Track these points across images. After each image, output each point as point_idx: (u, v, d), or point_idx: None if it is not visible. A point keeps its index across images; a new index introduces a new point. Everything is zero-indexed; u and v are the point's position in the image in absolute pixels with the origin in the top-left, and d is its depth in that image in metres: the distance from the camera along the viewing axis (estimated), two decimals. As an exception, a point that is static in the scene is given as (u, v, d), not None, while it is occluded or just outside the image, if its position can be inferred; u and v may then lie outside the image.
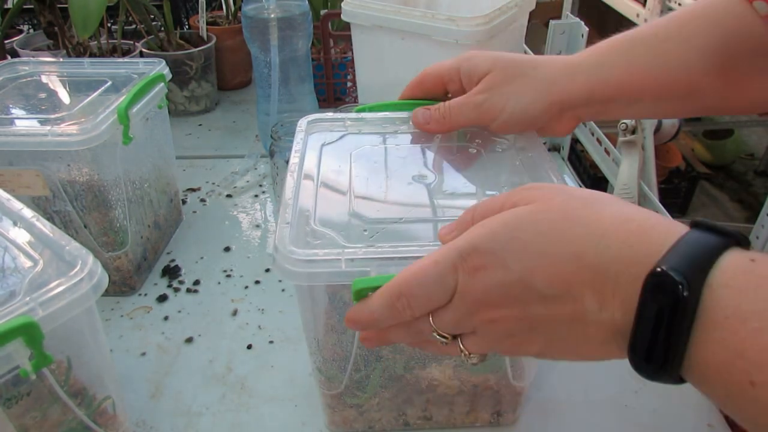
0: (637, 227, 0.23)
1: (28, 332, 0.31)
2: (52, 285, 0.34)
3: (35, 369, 0.33)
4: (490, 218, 0.27)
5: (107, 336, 0.58)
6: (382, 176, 0.45)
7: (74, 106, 0.58)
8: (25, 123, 0.56)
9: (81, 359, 0.39)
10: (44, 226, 0.39)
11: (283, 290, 0.63)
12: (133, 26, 1.14)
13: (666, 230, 0.23)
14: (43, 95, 0.62)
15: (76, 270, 0.35)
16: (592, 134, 0.82)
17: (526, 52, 1.02)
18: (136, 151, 0.61)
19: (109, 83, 0.63)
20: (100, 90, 0.62)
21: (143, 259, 0.65)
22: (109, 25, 1.16)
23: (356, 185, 0.43)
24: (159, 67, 0.66)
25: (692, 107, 0.41)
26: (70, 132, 0.52)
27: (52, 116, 0.56)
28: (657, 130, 0.71)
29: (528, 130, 0.44)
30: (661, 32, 0.39)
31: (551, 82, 0.41)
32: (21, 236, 0.39)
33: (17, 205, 0.41)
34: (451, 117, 0.44)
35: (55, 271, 0.35)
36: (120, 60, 0.79)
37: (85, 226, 0.58)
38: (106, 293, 0.37)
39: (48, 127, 0.52)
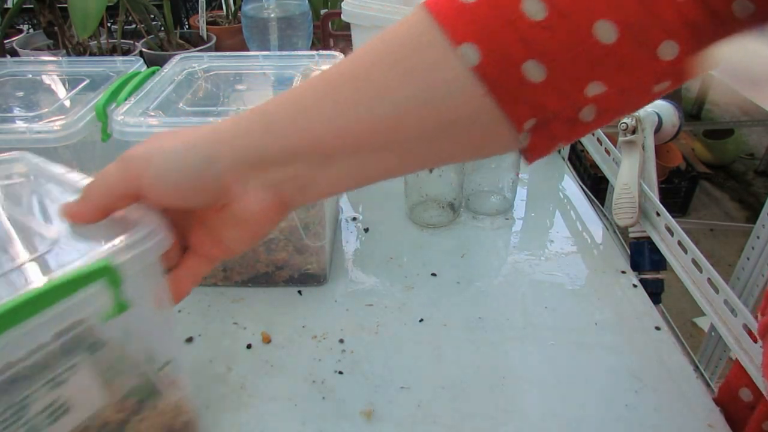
0: None
1: (109, 275, 0.31)
2: (122, 237, 0.33)
3: (113, 314, 0.32)
4: None
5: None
6: (222, 87, 0.64)
7: (52, 104, 0.58)
8: (3, 121, 0.56)
9: (145, 316, 0.38)
10: None
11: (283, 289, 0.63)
12: (133, 26, 1.14)
13: None
14: (20, 93, 0.62)
15: (142, 225, 0.34)
16: (593, 134, 0.82)
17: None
18: (117, 149, 0.61)
19: (87, 81, 0.64)
20: (78, 88, 0.62)
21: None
22: (109, 24, 1.16)
23: (200, 91, 0.63)
24: (137, 65, 0.66)
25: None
26: (48, 129, 0.52)
27: (31, 114, 0.56)
28: (657, 130, 0.71)
29: (185, 197, 0.32)
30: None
31: (203, 133, 0.32)
32: None
33: (77, 176, 0.40)
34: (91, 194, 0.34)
35: (121, 227, 0.34)
36: (97, 58, 0.80)
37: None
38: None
39: (26, 125, 0.53)
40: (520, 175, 0.77)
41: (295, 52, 0.72)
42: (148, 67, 0.67)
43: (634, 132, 0.69)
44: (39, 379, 0.32)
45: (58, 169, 0.40)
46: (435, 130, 0.29)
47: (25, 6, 1.04)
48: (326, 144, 0.30)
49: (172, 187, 0.32)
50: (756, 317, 0.49)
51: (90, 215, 0.34)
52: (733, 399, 0.51)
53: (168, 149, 0.31)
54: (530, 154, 0.31)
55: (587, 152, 0.85)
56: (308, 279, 0.63)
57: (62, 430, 0.35)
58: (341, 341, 0.56)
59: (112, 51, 1.04)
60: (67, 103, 0.59)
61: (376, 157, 0.31)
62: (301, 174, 0.31)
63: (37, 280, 0.30)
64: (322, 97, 0.30)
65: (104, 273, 0.31)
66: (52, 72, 0.67)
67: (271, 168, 0.31)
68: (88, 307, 0.31)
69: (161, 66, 0.66)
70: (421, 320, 0.59)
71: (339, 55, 0.67)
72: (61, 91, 0.63)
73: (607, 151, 0.77)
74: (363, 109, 0.29)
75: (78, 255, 0.32)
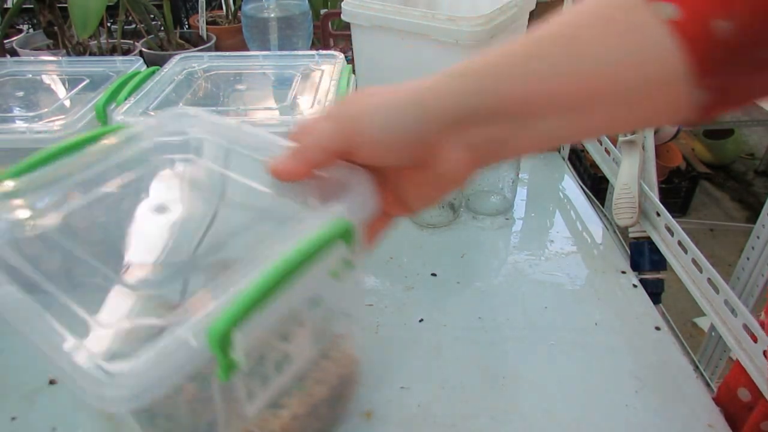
0: None
1: (347, 234, 0.31)
2: (348, 197, 0.33)
3: (343, 272, 0.33)
4: None
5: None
6: (222, 87, 0.65)
7: (52, 104, 0.59)
8: (3, 121, 0.56)
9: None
10: None
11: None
12: (133, 26, 1.14)
13: None
14: (20, 93, 0.62)
15: (357, 186, 0.33)
16: (593, 134, 0.82)
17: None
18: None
19: (87, 81, 0.64)
20: (78, 88, 0.62)
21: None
22: (109, 24, 1.16)
23: (200, 91, 0.63)
24: (137, 65, 0.66)
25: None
26: (48, 129, 0.52)
27: (31, 114, 0.56)
28: (657, 130, 0.71)
29: (397, 156, 0.33)
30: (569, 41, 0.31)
31: (416, 91, 0.32)
32: None
33: (265, 134, 0.40)
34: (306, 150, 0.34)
35: (327, 186, 0.34)
36: (97, 58, 0.80)
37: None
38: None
39: (26, 125, 0.53)
40: (520, 175, 0.77)
41: (295, 52, 0.72)
42: (148, 66, 0.67)
43: (634, 132, 0.69)
44: (276, 331, 0.34)
45: (248, 128, 0.41)
46: (631, 88, 0.30)
47: (25, 6, 1.04)
48: (533, 104, 0.30)
49: (387, 146, 0.32)
50: (757, 317, 0.49)
51: (301, 172, 0.33)
52: (731, 399, 0.51)
53: (383, 107, 0.32)
54: (702, 112, 0.31)
55: (587, 152, 0.85)
56: (309, 279, 0.63)
57: (284, 380, 0.35)
58: (341, 341, 0.56)
59: (112, 51, 1.04)
60: (67, 103, 0.59)
61: (571, 119, 0.31)
62: (499, 135, 0.31)
63: (296, 233, 0.30)
64: (532, 58, 0.30)
65: (346, 232, 0.31)
66: (52, 72, 0.67)
67: (473, 128, 0.31)
68: (329, 264, 0.31)
69: (161, 66, 0.66)
70: (421, 320, 0.59)
71: (339, 55, 0.67)
72: (61, 91, 0.63)
73: (607, 151, 0.77)
74: (573, 68, 0.30)
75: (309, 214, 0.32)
